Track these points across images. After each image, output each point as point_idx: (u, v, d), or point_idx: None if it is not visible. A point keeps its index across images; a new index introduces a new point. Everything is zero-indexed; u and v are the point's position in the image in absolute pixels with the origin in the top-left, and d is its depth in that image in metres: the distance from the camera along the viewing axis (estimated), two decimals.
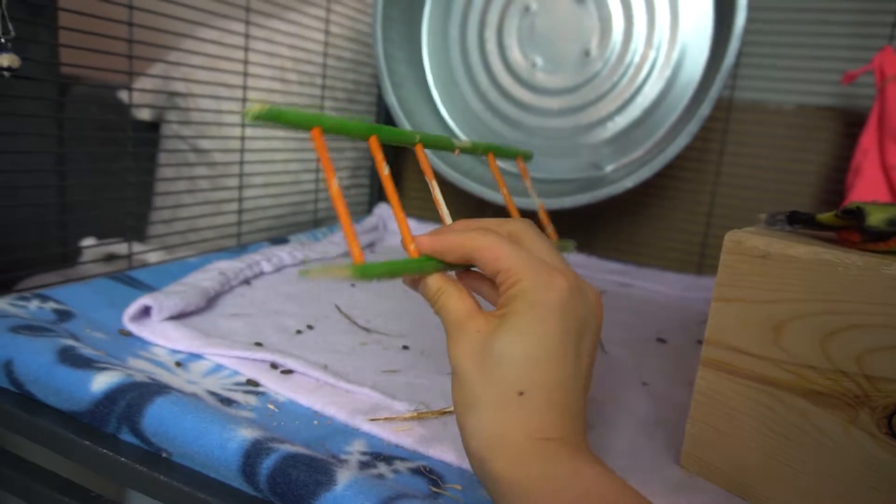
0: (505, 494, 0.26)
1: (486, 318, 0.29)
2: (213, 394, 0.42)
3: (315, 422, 0.40)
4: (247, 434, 0.33)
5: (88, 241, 0.85)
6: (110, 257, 0.83)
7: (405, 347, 0.53)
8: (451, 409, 0.42)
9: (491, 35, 0.91)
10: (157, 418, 0.34)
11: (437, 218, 1.09)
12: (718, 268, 0.37)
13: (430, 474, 0.35)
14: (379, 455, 0.37)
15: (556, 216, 1.02)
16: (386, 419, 0.40)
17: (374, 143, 0.37)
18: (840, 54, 0.84)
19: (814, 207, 0.89)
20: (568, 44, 0.87)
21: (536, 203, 0.48)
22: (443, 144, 0.43)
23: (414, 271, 0.32)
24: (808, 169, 0.88)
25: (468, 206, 1.07)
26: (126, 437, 0.35)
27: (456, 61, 0.94)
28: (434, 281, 0.32)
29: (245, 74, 0.72)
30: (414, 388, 0.46)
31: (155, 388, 0.35)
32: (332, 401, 0.42)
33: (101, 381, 0.36)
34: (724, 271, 0.37)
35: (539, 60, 0.89)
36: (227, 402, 0.41)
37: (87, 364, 0.37)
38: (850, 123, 0.86)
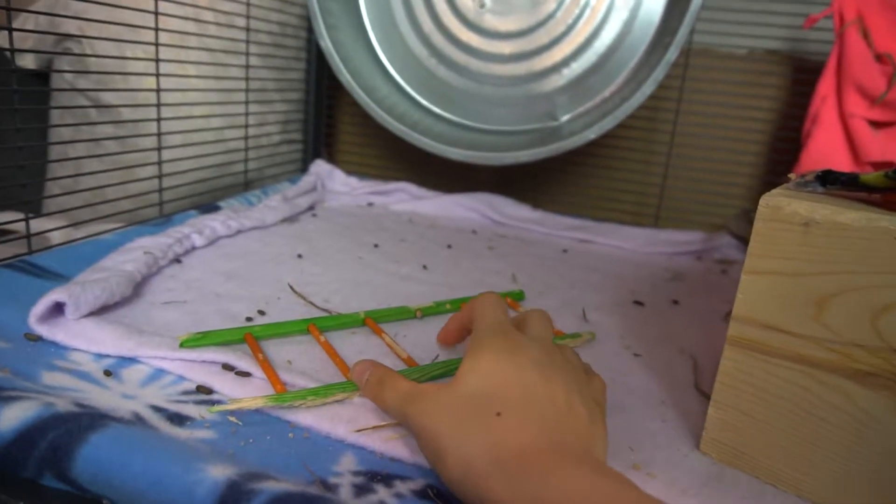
0: None
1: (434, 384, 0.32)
2: (158, 409, 0.34)
3: (290, 434, 0.34)
4: (217, 474, 0.26)
5: None
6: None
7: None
8: None
9: None
10: (94, 461, 0.26)
11: (371, 173, 1.01)
12: (751, 236, 0.33)
13: (438, 498, 0.30)
14: (375, 475, 0.31)
15: (505, 171, 0.97)
16: (374, 428, 0.34)
17: (313, 330, 0.44)
18: None
19: (769, 155, 0.88)
20: None
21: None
22: (397, 314, 0.49)
23: (332, 395, 0.36)
24: (760, 116, 0.87)
25: (414, 159, 1.00)
26: (50, 482, 0.28)
27: (395, 0, 0.85)
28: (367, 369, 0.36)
29: (156, 13, 0.60)
30: None
31: (86, 422, 0.27)
32: (306, 407, 0.36)
33: (11, 417, 0.27)
34: (757, 240, 0.33)
35: (487, 0, 0.81)
36: (178, 418, 0.33)
37: None
38: (800, 69, 0.85)
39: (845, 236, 0.30)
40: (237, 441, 0.32)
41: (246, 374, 0.38)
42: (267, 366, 0.38)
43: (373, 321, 0.47)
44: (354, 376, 0.37)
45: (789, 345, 0.32)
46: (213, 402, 0.36)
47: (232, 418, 0.34)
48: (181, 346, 0.39)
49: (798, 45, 0.85)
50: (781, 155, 0.87)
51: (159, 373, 0.38)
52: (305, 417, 0.35)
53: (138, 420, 0.32)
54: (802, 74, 0.84)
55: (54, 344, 0.39)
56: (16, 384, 0.30)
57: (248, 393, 0.37)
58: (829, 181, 0.34)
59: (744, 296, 0.33)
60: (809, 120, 0.75)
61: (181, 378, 0.38)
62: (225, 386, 0.37)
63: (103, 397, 0.34)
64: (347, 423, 0.34)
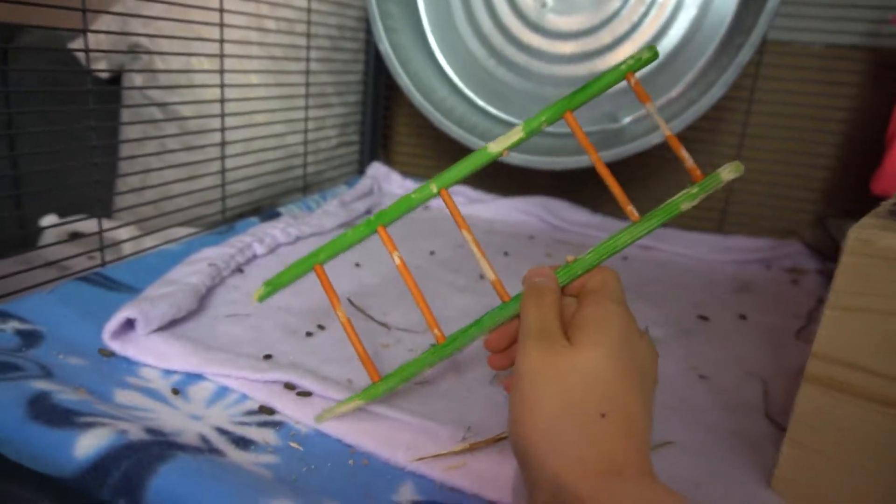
0: None
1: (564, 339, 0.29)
2: (223, 431, 0.35)
3: (350, 461, 0.34)
4: None
5: (49, 220, 0.76)
6: (75, 236, 0.74)
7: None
8: (506, 434, 0.36)
9: None
10: (163, 493, 0.27)
11: (427, 174, 1.00)
12: (837, 271, 0.31)
13: None
14: None
15: (563, 173, 0.95)
16: (434, 457, 0.34)
17: (382, 232, 0.37)
18: None
19: (846, 158, 0.83)
20: None
21: (665, 133, 0.34)
22: (475, 162, 0.37)
23: (422, 367, 0.35)
24: (837, 116, 0.82)
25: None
26: None
27: (455, 1, 0.84)
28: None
29: (221, 25, 0.61)
30: (454, 403, 0.40)
31: (156, 453, 0.28)
32: (365, 429, 0.36)
33: (87, 445, 0.28)
34: (845, 276, 0.30)
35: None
36: (243, 442, 0.34)
37: (67, 419, 0.30)
38: (885, 65, 0.80)
39: None
40: (300, 467, 0.33)
41: (307, 394, 0.39)
42: (350, 329, 0.36)
43: (446, 192, 0.37)
44: (527, 276, 0.34)
45: (880, 388, 0.30)
46: (275, 424, 0.36)
47: (293, 444, 0.35)
48: (258, 300, 0.36)
49: (882, 40, 0.80)
50: (860, 158, 0.81)
51: (223, 391, 0.39)
52: (365, 442, 0.35)
53: (205, 443, 0.33)
54: (887, 71, 0.79)
55: (126, 359, 0.40)
56: (91, 408, 0.31)
57: (309, 414, 0.37)
58: None
59: (827, 332, 0.31)
60: (895, 122, 0.70)
61: (244, 397, 0.39)
62: (287, 406, 0.38)
63: (171, 418, 0.35)
64: (407, 450, 0.34)
